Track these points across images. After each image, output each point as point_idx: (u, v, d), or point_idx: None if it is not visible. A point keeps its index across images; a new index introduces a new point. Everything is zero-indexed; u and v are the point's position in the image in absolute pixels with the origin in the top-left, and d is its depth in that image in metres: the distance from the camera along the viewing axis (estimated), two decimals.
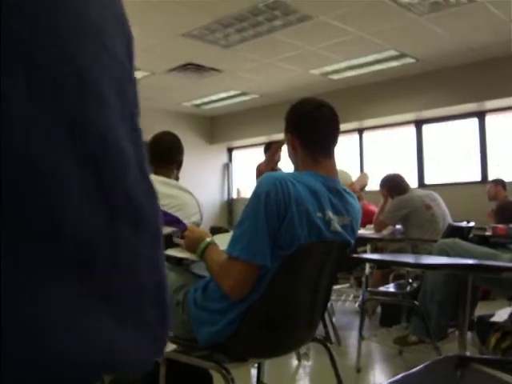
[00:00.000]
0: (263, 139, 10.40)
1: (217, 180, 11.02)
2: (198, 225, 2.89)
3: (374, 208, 6.72)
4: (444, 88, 7.81)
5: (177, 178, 2.99)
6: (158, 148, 2.92)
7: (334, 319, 4.69)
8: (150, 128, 8.10)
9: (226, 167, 11.28)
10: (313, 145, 2.08)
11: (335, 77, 8.16)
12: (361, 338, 3.82)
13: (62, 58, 0.34)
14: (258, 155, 10.83)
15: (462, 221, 6.54)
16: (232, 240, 1.89)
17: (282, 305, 1.94)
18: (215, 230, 6.44)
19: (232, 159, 11.43)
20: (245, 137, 10.44)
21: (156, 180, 2.75)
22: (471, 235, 4.24)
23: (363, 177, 6.07)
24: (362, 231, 5.55)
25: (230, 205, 11.10)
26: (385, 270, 5.47)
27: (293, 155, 2.15)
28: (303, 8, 5.55)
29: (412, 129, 8.82)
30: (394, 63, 7.52)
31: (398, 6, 5.50)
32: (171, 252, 2.33)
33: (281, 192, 1.83)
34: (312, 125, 2.09)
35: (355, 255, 2.61)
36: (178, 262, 2.42)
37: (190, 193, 2.88)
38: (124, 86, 0.41)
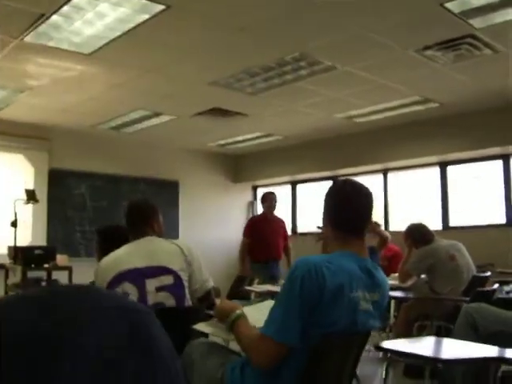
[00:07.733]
0: (287, 178, 10.48)
1: (242, 218, 11.03)
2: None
3: (397, 248, 6.86)
4: (468, 132, 7.81)
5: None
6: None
7: (357, 370, 4.66)
8: (174, 167, 8.17)
9: (251, 205, 11.32)
10: (345, 229, 2.17)
11: (359, 120, 8.23)
12: None
13: None
14: (283, 193, 10.90)
15: (485, 264, 6.53)
16: (267, 320, 2.00)
17: None
18: (241, 280, 6.51)
19: (257, 197, 11.44)
20: (269, 176, 10.52)
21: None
22: (495, 297, 4.24)
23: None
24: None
25: None
26: (409, 319, 5.46)
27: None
28: (329, 59, 5.66)
29: (436, 170, 8.81)
30: (417, 107, 7.57)
31: (422, 57, 5.58)
32: (200, 327, 2.40)
33: (315, 278, 1.93)
34: (348, 212, 2.18)
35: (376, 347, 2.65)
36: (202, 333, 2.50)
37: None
38: None
